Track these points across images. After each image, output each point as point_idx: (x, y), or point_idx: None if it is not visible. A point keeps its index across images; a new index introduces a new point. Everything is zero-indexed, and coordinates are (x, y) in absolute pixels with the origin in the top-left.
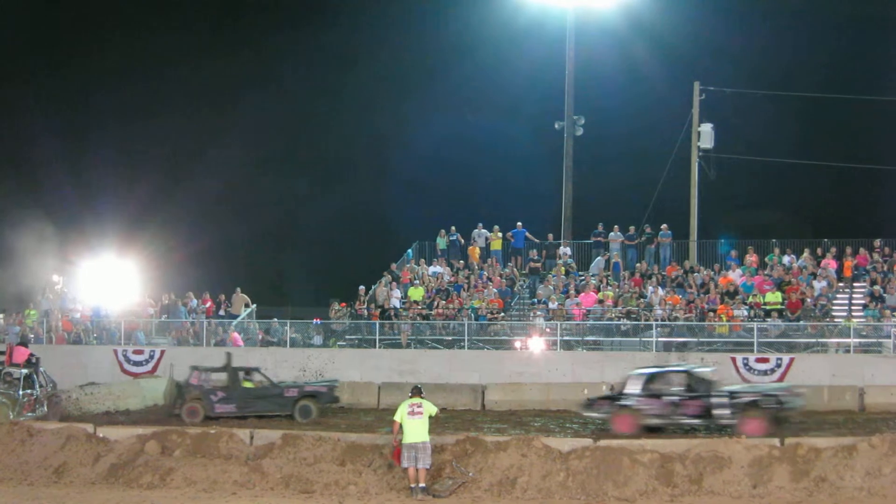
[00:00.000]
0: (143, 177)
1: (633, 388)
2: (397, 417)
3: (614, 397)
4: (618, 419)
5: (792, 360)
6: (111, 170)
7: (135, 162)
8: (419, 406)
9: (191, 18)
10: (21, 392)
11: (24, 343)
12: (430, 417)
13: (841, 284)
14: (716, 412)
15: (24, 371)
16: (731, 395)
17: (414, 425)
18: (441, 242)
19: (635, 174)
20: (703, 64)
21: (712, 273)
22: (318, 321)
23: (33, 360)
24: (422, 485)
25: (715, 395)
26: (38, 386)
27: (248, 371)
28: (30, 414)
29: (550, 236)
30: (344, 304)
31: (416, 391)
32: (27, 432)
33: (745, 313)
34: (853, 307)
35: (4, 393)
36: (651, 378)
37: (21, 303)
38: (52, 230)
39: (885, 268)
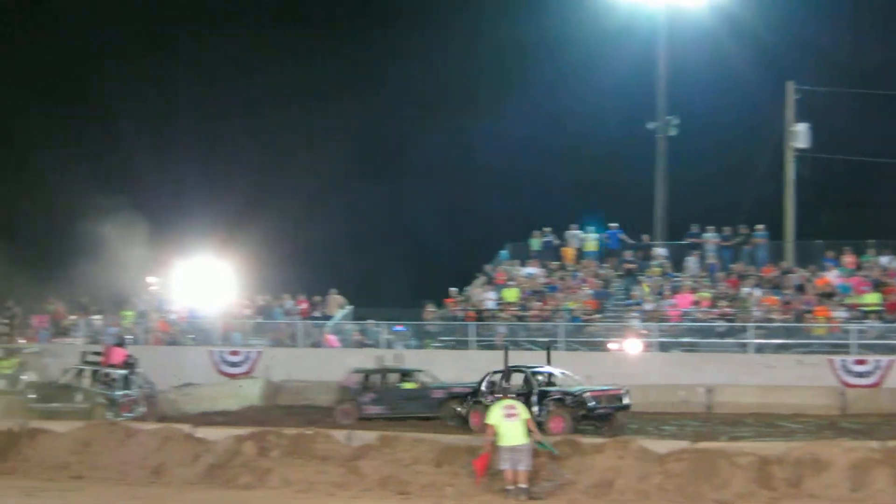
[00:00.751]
0: (239, 178)
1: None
2: (492, 421)
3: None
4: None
5: (892, 361)
6: (207, 171)
7: (231, 163)
8: (514, 408)
9: (285, 19)
10: (119, 392)
11: (120, 344)
12: (525, 421)
13: None
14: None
15: (122, 372)
16: (541, 394)
17: (511, 427)
18: (535, 243)
19: (730, 174)
20: (798, 63)
21: (808, 274)
22: (401, 328)
23: (130, 361)
24: (523, 485)
25: (533, 394)
26: (135, 386)
27: (407, 373)
28: (128, 414)
29: (645, 237)
30: (452, 297)
31: (506, 392)
32: (126, 432)
33: (843, 315)
34: None
35: (102, 393)
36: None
37: (118, 304)
38: (148, 231)
39: None
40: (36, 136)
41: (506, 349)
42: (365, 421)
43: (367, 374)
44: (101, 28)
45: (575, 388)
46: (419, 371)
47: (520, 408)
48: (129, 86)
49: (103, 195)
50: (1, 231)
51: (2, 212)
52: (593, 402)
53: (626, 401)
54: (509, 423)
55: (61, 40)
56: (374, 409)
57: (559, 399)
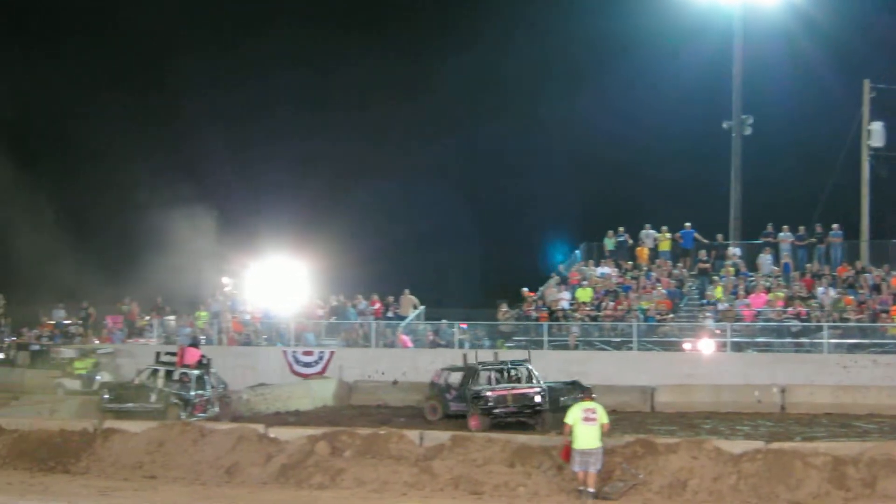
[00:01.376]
0: (312, 179)
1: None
2: (570, 420)
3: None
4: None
5: None
6: (281, 172)
7: (306, 163)
8: (594, 412)
9: (362, 15)
10: (193, 393)
11: (195, 344)
12: (602, 426)
13: None
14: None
15: (196, 372)
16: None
17: (588, 431)
18: (609, 243)
19: (805, 173)
20: (874, 60)
21: (884, 273)
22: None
23: (204, 362)
24: (591, 489)
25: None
26: (209, 387)
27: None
28: (201, 414)
29: (720, 236)
30: (525, 297)
31: (588, 393)
32: (200, 432)
33: None
34: None
35: (176, 394)
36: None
37: (192, 305)
38: (223, 231)
39: None
40: (111, 136)
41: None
42: (450, 418)
43: (453, 371)
44: (176, 23)
45: (481, 387)
46: (524, 362)
47: (600, 411)
48: (205, 84)
49: (178, 195)
50: (76, 232)
51: (77, 212)
52: (491, 403)
53: (536, 400)
54: (586, 427)
55: (136, 37)
56: (458, 406)
57: (476, 397)
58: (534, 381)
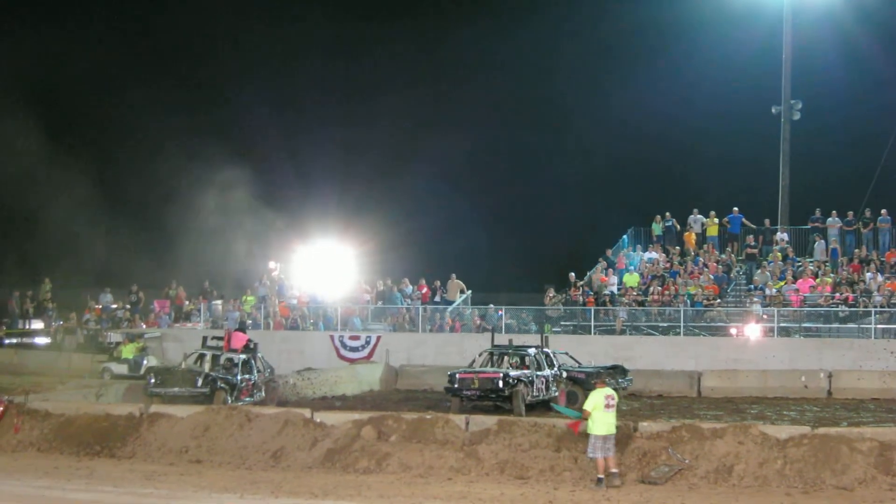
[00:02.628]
0: (359, 164)
1: None
2: (590, 407)
3: None
4: None
5: None
6: (328, 157)
7: (351, 150)
8: (612, 398)
9: (405, 5)
10: (239, 377)
11: (242, 329)
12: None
13: None
14: None
15: (243, 356)
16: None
17: (609, 417)
18: (656, 228)
19: (853, 158)
20: None
21: None
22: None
23: (251, 346)
24: (614, 469)
25: None
26: (255, 371)
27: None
28: (248, 399)
29: (767, 222)
30: (573, 282)
31: (604, 380)
32: (246, 417)
33: None
34: None
35: (223, 378)
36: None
37: (239, 289)
38: (270, 216)
39: None
40: (160, 122)
41: (492, 330)
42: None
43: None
44: (226, 8)
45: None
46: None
47: (617, 398)
48: (253, 69)
49: (226, 180)
50: (124, 216)
51: (126, 197)
52: (457, 385)
53: (499, 384)
54: (608, 413)
55: (184, 23)
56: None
57: (449, 380)
58: (544, 367)
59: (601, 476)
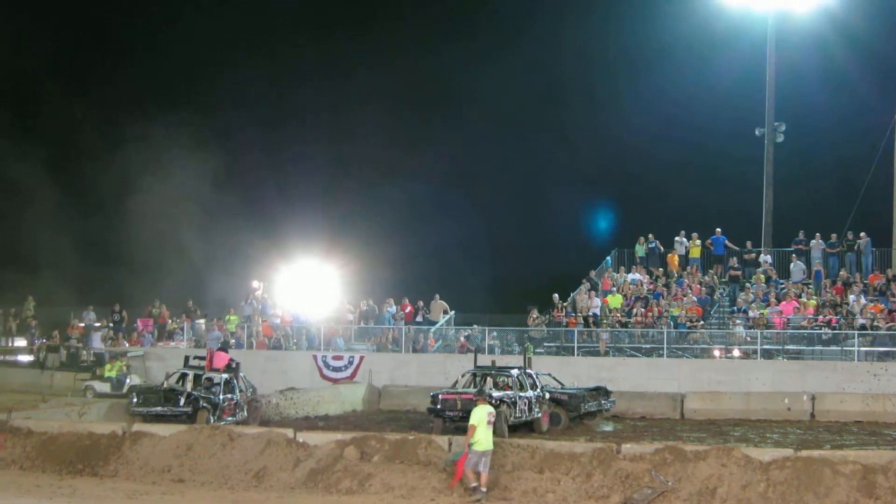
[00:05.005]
0: (343, 183)
1: None
2: (475, 422)
3: None
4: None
5: None
6: (312, 176)
7: (335, 169)
8: (493, 416)
9: (389, 25)
10: (222, 396)
11: (224, 348)
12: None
13: None
14: None
15: (225, 376)
16: None
17: (488, 433)
18: (640, 250)
19: (836, 181)
20: None
21: None
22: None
23: (233, 365)
24: (484, 489)
25: None
26: (238, 391)
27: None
28: (230, 418)
29: (750, 244)
30: (556, 303)
31: (485, 397)
32: (228, 436)
33: None
34: None
35: (206, 397)
36: None
37: (222, 308)
38: (253, 236)
39: None
40: (144, 140)
41: (475, 351)
42: None
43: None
44: (213, 30)
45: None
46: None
47: (495, 413)
48: (236, 88)
49: (208, 198)
50: (107, 236)
51: (108, 217)
52: (440, 406)
53: None
54: (488, 430)
55: (170, 44)
56: None
57: (432, 401)
58: (526, 388)
59: (474, 485)
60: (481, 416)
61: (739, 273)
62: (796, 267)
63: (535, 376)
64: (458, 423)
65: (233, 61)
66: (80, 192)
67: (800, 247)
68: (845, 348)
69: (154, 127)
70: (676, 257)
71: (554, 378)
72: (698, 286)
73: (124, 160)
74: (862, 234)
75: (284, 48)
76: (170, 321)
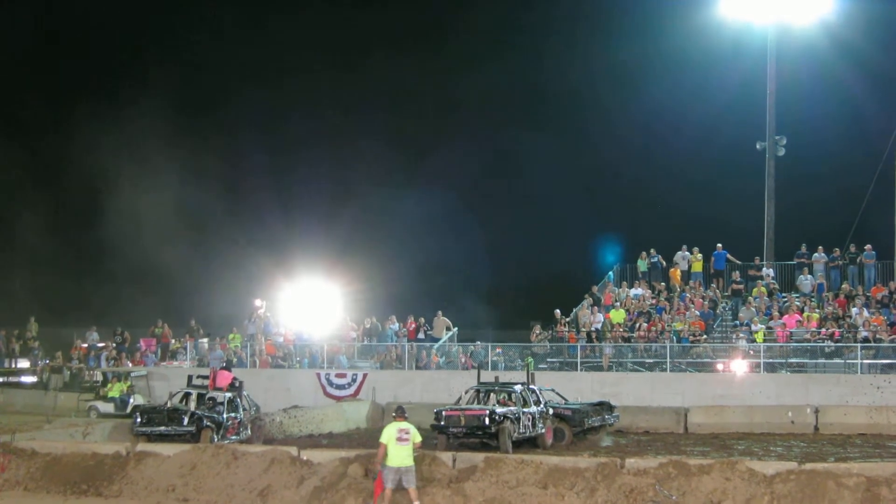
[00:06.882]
0: (345, 203)
1: None
2: (385, 440)
3: None
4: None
5: None
6: (315, 196)
7: (339, 186)
8: (406, 432)
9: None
10: (225, 415)
11: (227, 367)
12: (415, 444)
13: None
14: None
15: (228, 395)
16: None
17: (400, 450)
18: (642, 265)
19: (838, 194)
20: None
21: None
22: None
23: (237, 384)
24: (416, 502)
25: None
26: (241, 409)
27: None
28: (234, 437)
29: (758, 259)
30: (559, 318)
31: (401, 413)
32: (232, 455)
33: None
34: None
35: (209, 416)
36: None
37: (225, 327)
38: (256, 255)
39: None
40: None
41: (478, 368)
42: None
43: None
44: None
45: (444, 406)
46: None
47: (413, 431)
48: (244, 112)
49: (210, 218)
50: (110, 255)
51: (111, 237)
52: (444, 422)
53: (485, 422)
54: (399, 447)
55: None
56: None
57: (435, 417)
58: (530, 403)
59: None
60: (390, 433)
61: (742, 287)
62: (805, 280)
63: (538, 392)
64: (463, 440)
65: (236, 86)
66: (86, 217)
67: (802, 260)
68: (848, 361)
69: (159, 149)
70: (679, 272)
71: (557, 393)
72: (700, 300)
73: (126, 183)
74: (867, 245)
75: (290, 70)
76: (173, 341)
